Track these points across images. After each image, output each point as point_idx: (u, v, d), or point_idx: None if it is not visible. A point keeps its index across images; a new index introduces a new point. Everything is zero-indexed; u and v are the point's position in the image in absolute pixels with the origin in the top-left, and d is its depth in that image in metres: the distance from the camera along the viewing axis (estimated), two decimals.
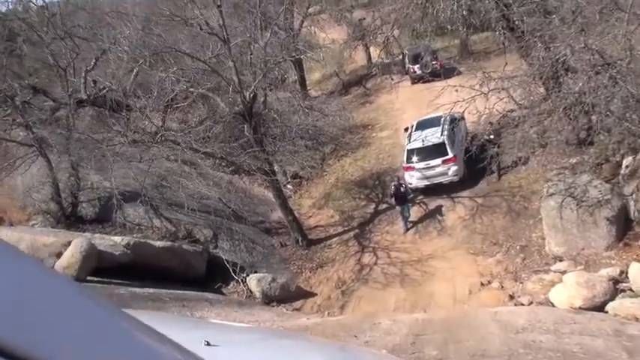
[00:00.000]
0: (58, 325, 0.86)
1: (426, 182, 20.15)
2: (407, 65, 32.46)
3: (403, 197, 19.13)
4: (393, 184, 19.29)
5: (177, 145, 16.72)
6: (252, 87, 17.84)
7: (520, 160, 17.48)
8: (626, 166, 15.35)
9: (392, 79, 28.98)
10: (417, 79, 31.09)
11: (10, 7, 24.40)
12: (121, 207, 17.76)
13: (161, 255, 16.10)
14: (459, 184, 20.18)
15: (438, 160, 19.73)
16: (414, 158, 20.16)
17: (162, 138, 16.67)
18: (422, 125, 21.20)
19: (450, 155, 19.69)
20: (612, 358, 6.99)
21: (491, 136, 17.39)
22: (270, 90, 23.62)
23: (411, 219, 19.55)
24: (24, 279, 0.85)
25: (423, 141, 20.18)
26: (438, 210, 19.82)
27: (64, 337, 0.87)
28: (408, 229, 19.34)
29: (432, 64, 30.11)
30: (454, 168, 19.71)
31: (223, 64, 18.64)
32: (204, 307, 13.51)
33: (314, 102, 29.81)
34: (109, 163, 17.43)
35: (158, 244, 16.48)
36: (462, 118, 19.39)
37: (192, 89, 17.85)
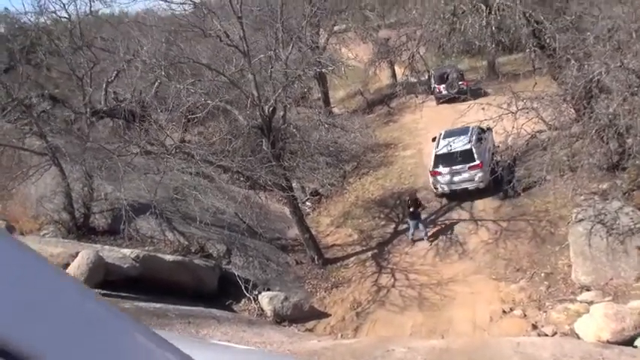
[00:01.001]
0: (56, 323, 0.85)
1: (452, 187, 20.48)
2: (432, 85, 32.26)
3: (416, 215, 19.17)
4: (408, 200, 19.48)
5: (192, 158, 16.31)
6: (272, 101, 17.43)
7: (537, 182, 17.06)
8: None
9: (417, 98, 28.65)
10: (442, 99, 30.92)
11: (32, 18, 24.09)
12: (132, 219, 17.32)
13: (171, 269, 15.58)
14: (481, 201, 20.23)
15: (465, 166, 19.99)
16: (441, 163, 20.45)
17: (177, 150, 16.26)
18: (450, 134, 21.40)
19: (477, 162, 19.94)
20: None
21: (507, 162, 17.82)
22: (292, 106, 23.33)
23: (429, 241, 19.13)
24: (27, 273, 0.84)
25: (450, 146, 20.38)
26: (461, 232, 19.15)
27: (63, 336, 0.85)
28: (413, 240, 19.38)
29: (459, 84, 29.95)
30: (480, 174, 19.95)
31: (243, 77, 18.33)
32: (211, 324, 12.93)
33: (336, 119, 29.51)
34: (121, 174, 17.08)
35: (169, 257, 15.98)
36: (490, 129, 19.33)
37: (209, 102, 17.42)
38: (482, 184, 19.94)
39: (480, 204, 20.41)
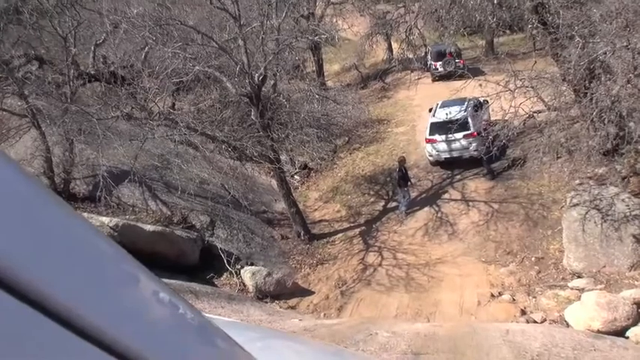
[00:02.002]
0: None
1: (446, 155, 20.84)
2: (429, 62, 31.84)
3: (404, 180, 19.30)
4: (398, 165, 19.65)
5: (177, 125, 15.68)
6: (262, 69, 16.81)
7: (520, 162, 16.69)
8: None
9: (412, 75, 28.20)
10: (438, 77, 30.52)
11: None
12: (112, 186, 16.67)
13: (151, 240, 15.00)
14: (473, 182, 20.06)
15: (460, 135, 20.15)
16: (437, 131, 20.72)
17: (161, 116, 15.61)
18: (446, 104, 21.65)
19: (472, 131, 20.11)
20: None
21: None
22: (285, 77, 22.74)
23: (419, 222, 18.73)
24: None
25: (446, 115, 20.65)
26: (451, 213, 18.73)
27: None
28: (402, 211, 19.34)
29: (455, 62, 29.63)
30: (475, 144, 20.10)
31: (234, 43, 17.67)
32: (188, 299, 12.36)
33: (329, 92, 28.93)
34: (106, 140, 16.43)
35: (149, 227, 15.37)
36: (486, 101, 19.08)
37: (197, 67, 16.78)
38: (477, 153, 19.87)
39: (472, 185, 20.00)
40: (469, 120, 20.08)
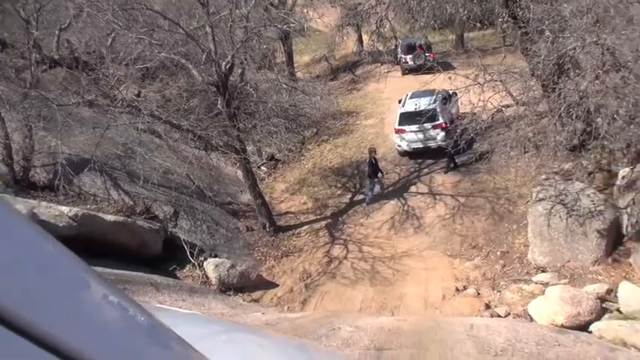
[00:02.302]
0: None
1: (414, 145, 21.10)
2: (399, 55, 31.75)
3: (375, 171, 19.35)
4: (370, 155, 19.52)
5: (139, 112, 15.23)
6: (230, 57, 16.47)
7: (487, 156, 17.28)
8: (623, 177, 14.22)
9: (382, 67, 28.20)
10: (408, 70, 30.52)
11: None
12: (71, 175, 16.15)
13: (112, 230, 14.55)
14: (440, 176, 20.22)
15: (429, 125, 20.43)
16: (406, 122, 21.04)
17: (124, 104, 15.14)
18: (416, 95, 22.05)
19: (440, 121, 20.49)
20: None
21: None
22: (253, 67, 22.38)
23: (386, 215, 18.62)
24: None
25: (416, 106, 21.16)
26: (418, 206, 18.66)
27: None
28: (368, 203, 19.35)
29: (425, 56, 29.68)
30: (442, 134, 20.35)
31: (202, 31, 17.26)
32: (148, 292, 12.06)
33: (298, 83, 28.66)
34: (66, 127, 15.90)
35: (110, 218, 14.92)
36: (455, 94, 18.99)
37: (163, 54, 16.37)
38: (444, 143, 19.91)
39: (439, 178, 20.00)
40: (438, 111, 20.39)
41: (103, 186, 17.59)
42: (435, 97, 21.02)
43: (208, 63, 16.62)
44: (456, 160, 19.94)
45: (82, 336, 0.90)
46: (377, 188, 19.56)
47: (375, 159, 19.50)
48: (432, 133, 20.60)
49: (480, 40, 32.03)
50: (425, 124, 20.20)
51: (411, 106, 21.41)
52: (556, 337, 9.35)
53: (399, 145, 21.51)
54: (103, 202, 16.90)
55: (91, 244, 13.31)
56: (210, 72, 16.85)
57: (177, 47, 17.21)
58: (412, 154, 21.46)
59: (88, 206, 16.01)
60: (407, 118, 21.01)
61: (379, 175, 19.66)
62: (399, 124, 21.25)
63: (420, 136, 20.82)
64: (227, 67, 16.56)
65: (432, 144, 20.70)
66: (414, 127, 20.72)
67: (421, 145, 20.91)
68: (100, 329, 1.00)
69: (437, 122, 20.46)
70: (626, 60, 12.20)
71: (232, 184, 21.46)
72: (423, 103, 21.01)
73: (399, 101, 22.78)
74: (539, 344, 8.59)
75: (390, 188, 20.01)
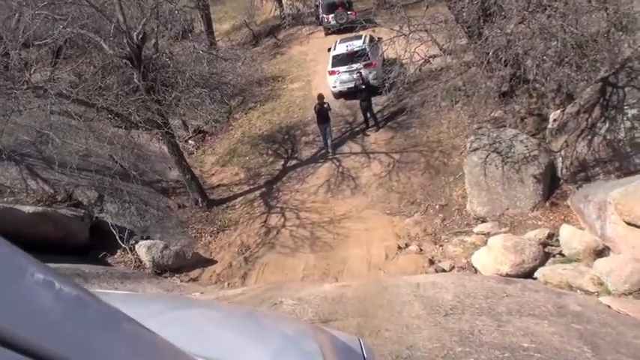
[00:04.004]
0: None
1: (349, 85, 21.51)
2: (321, 15, 31.25)
3: (325, 116, 19.22)
4: (316, 102, 19.53)
5: (46, 93, 14.09)
6: (141, 26, 15.46)
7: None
8: (554, 120, 14.13)
9: (305, 29, 27.77)
10: (331, 30, 30.01)
11: None
12: None
13: (32, 222, 13.49)
14: (372, 134, 20.07)
15: (361, 65, 21.34)
16: (339, 64, 22.03)
17: (27, 84, 13.96)
18: (345, 40, 23.35)
19: (372, 60, 21.43)
20: (574, 354, 5.48)
21: (363, 86, 19.76)
22: (171, 38, 21.34)
23: (321, 179, 18.23)
24: None
25: (347, 48, 22.27)
26: (353, 167, 18.28)
27: None
28: (330, 151, 19.42)
29: (347, 14, 29.23)
30: (374, 72, 21.21)
31: (109, 1, 16.13)
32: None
33: (220, 52, 27.67)
34: None
35: (28, 209, 13.83)
36: (380, 39, 20.46)
37: (69, 29, 15.21)
38: (377, 81, 20.21)
39: (372, 136, 19.66)
40: (367, 50, 21.47)
41: (18, 176, 16.38)
42: (363, 39, 22.29)
43: (119, 35, 15.60)
44: (375, 115, 20.22)
45: (22, 322, 0.87)
46: (328, 135, 19.44)
47: (325, 104, 19.33)
48: (365, 72, 20.98)
49: None
50: (357, 64, 21.24)
51: (342, 49, 22.41)
52: (503, 288, 9.12)
53: (334, 87, 22.19)
54: (20, 193, 15.78)
55: (11, 239, 12.30)
56: (122, 44, 15.83)
57: (85, 21, 16.04)
58: (347, 95, 21.96)
59: (5, 199, 14.93)
60: (339, 60, 22.01)
61: (330, 122, 19.53)
62: (332, 66, 22.16)
63: (353, 76, 21.16)
64: (139, 37, 15.56)
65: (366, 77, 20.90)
66: (346, 68, 21.62)
67: (354, 85, 21.02)
68: (41, 314, 0.96)
69: (368, 61, 21.37)
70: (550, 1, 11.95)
71: (159, 161, 20.52)
72: (354, 46, 22.07)
73: (329, 49, 23.59)
74: (488, 297, 8.32)
75: (323, 150, 19.61)
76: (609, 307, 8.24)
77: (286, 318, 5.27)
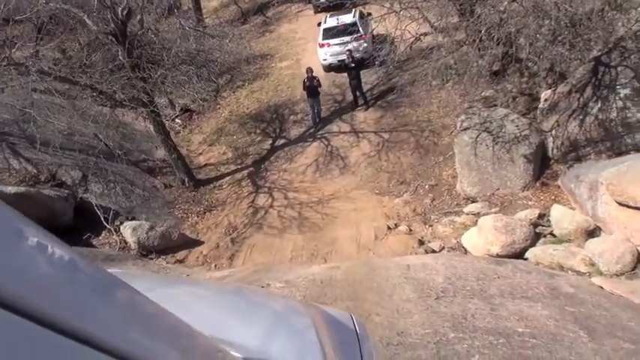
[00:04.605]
0: None
1: (339, 57, 21.50)
2: None
3: (315, 90, 19.14)
4: (306, 76, 19.40)
5: (27, 70, 13.71)
6: (126, 1, 15.09)
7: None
8: (545, 100, 13.97)
9: (294, 7, 27.42)
10: (320, 8, 29.65)
11: None
12: None
13: (15, 203, 13.14)
14: (362, 113, 19.78)
15: (351, 37, 21.46)
16: (329, 36, 22.19)
17: (6, 62, 13.55)
18: (335, 14, 23.21)
19: (362, 33, 21.51)
20: (570, 339, 5.35)
21: (352, 64, 19.33)
22: (157, 15, 20.94)
23: (309, 158, 18.02)
24: None
25: (337, 20, 22.36)
26: (341, 146, 18.07)
27: None
28: (316, 126, 19.50)
29: None
30: (365, 45, 21.33)
31: None
32: None
33: (207, 29, 27.24)
34: None
35: (10, 189, 13.52)
36: (370, 14, 21.04)
37: (52, 4, 14.82)
38: (367, 54, 20.62)
39: (361, 115, 19.43)
40: (358, 23, 21.68)
41: (0, 155, 16.06)
42: (353, 13, 22.25)
43: (103, 10, 15.22)
44: (365, 93, 19.99)
45: (21, 286, 0.88)
46: (316, 107, 19.46)
47: (315, 77, 19.30)
48: (355, 44, 21.16)
49: None
50: (347, 37, 21.32)
51: (332, 22, 22.49)
52: (494, 269, 9.01)
53: (324, 59, 22.30)
54: (2, 173, 15.46)
55: None
56: (107, 20, 15.46)
57: None
58: (337, 69, 21.93)
59: None
60: (330, 32, 22.19)
61: (319, 94, 19.47)
62: (323, 39, 22.27)
63: (344, 48, 21.10)
64: (124, 13, 15.18)
65: (356, 55, 20.58)
66: (337, 40, 21.75)
67: (346, 57, 20.68)
68: (40, 279, 0.97)
69: (358, 34, 21.50)
70: None
71: (145, 140, 20.19)
72: (344, 19, 22.16)
73: (319, 24, 23.52)
74: (479, 279, 8.20)
75: (312, 129, 19.37)
76: (602, 287, 8.15)
77: (276, 295, 5.35)
